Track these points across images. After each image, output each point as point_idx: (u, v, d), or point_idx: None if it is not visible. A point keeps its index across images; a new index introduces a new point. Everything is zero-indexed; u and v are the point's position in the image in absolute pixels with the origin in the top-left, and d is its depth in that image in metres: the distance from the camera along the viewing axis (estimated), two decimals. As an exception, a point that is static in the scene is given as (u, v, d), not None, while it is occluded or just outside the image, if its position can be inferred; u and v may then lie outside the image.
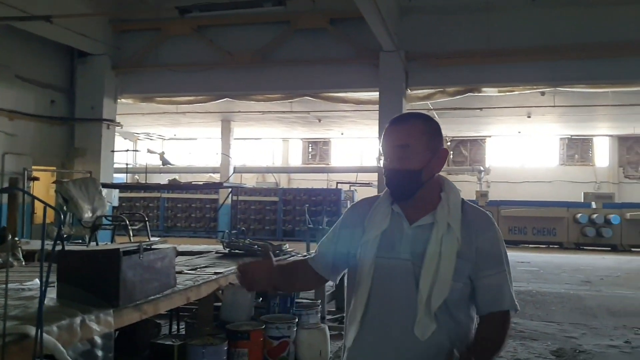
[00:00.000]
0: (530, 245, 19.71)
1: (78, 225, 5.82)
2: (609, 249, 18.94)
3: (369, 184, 21.31)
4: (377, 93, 10.39)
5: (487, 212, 2.04)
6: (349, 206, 2.22)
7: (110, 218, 5.70)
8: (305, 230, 12.50)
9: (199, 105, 13.72)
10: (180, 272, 5.39)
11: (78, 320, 3.60)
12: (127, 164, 12.60)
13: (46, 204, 3.39)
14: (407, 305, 1.85)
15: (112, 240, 6.17)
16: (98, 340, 3.84)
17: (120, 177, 21.18)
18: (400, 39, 10.05)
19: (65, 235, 5.86)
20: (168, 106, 14.92)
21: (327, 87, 11.18)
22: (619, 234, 18.96)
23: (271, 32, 11.06)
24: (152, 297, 4.36)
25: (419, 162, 1.90)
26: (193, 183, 9.12)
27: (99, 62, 11.48)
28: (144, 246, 4.34)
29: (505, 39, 9.96)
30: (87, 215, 5.64)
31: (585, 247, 19.17)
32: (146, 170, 14.98)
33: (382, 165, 1.98)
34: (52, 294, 4.19)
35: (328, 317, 6.96)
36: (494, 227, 1.96)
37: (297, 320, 5.26)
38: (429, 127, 1.95)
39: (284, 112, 16.65)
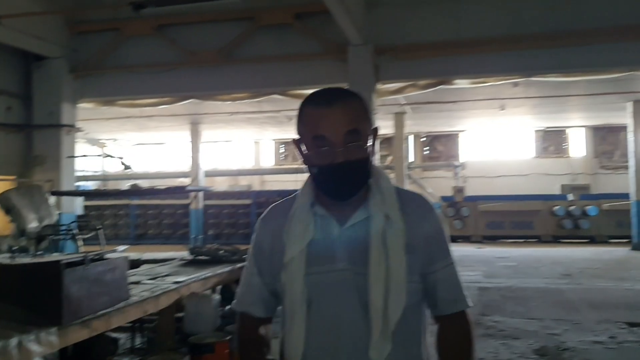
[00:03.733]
0: (508, 240, 19.66)
1: (23, 237, 5.41)
2: (587, 240, 18.96)
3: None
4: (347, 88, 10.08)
5: (421, 194, 1.71)
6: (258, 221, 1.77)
7: (57, 228, 5.30)
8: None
9: (164, 108, 13.26)
10: (137, 283, 5.03)
11: (14, 342, 3.23)
12: (83, 171, 12.07)
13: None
14: (355, 326, 1.51)
15: (56, 251, 5.75)
16: (40, 362, 3.47)
17: (88, 185, 20.70)
18: (368, 32, 9.78)
19: (14, 248, 5.43)
20: (133, 110, 14.41)
21: (295, 84, 10.80)
22: (596, 225, 18.98)
23: (235, 30, 10.67)
24: (102, 312, 4.00)
25: (368, 149, 1.55)
26: (155, 188, 8.70)
27: (56, 66, 10.96)
28: (91, 257, 3.98)
29: (475, 29, 9.74)
30: (33, 225, 5.23)
31: (562, 240, 19.17)
32: (104, 177, 14.52)
33: (311, 160, 1.54)
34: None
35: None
36: (435, 211, 1.63)
37: (265, 329, 4.93)
38: (365, 104, 1.59)
39: (253, 112, 16.25)
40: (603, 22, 9.29)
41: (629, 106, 16.50)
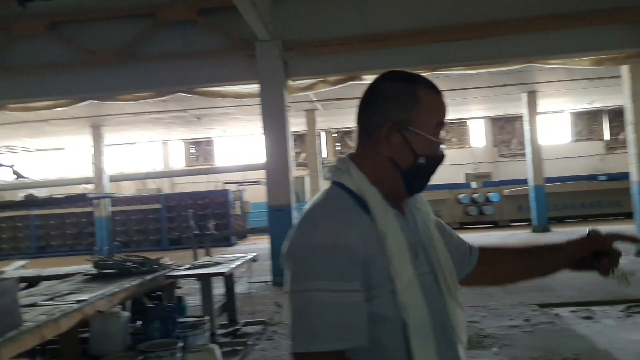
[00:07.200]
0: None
1: None
2: (492, 225, 19.78)
3: (257, 181, 20.82)
4: (257, 85, 9.86)
5: None
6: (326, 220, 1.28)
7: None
8: (192, 237, 11.59)
9: (62, 110, 12.44)
10: (33, 305, 4.58)
11: None
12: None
13: None
14: (450, 323, 1.42)
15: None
16: None
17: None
18: (275, 27, 9.60)
19: None
20: (27, 114, 13.46)
21: (202, 81, 10.43)
22: (499, 210, 19.89)
23: (136, 27, 10.17)
24: (-9, 343, 3.57)
25: None
26: (53, 197, 8.08)
27: None
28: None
29: (381, 23, 9.79)
30: None
31: (469, 226, 19.86)
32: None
33: (424, 148, 1.36)
34: None
35: (220, 331, 6.36)
36: None
37: (181, 344, 4.65)
38: None
39: (159, 112, 15.63)
40: (501, 14, 9.63)
41: (524, 97, 17.30)
